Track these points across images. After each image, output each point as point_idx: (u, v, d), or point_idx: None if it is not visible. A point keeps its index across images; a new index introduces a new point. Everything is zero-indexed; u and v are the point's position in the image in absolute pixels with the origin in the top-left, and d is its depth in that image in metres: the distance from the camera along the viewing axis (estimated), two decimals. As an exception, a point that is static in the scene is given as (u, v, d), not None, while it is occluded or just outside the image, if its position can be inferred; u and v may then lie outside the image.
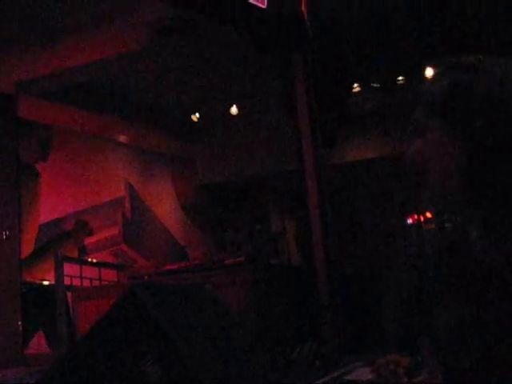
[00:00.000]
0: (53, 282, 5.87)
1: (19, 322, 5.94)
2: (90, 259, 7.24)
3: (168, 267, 5.63)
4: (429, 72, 7.74)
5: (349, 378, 3.47)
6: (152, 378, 1.85)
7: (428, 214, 10.30)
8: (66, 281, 5.65)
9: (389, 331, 7.33)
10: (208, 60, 7.21)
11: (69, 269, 5.82)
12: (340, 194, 8.43)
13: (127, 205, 8.61)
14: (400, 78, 7.82)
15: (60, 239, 7.66)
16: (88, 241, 8.04)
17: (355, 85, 7.75)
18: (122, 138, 8.94)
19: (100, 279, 6.18)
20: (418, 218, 10.35)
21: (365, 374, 3.44)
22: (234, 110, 8.68)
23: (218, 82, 7.81)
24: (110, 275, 6.45)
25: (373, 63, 7.21)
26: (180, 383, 1.84)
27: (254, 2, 5.03)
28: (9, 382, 4.43)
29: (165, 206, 9.52)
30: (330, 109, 6.09)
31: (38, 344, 6.49)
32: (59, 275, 5.53)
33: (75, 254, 7.57)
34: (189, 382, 1.84)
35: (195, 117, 8.95)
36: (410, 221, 10.44)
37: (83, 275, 6.08)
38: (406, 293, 7.75)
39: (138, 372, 1.88)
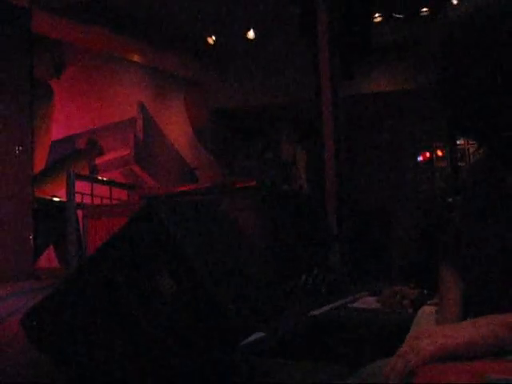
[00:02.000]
0: (63, 199, 5.91)
1: (30, 237, 6.01)
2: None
3: (178, 189, 5.64)
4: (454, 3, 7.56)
5: (355, 305, 3.52)
6: (166, 291, 1.87)
7: (439, 152, 10.29)
8: (77, 198, 5.68)
9: (396, 264, 7.42)
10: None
11: (80, 186, 5.85)
12: (354, 127, 8.36)
13: (139, 126, 8.58)
14: (424, 9, 7.62)
15: (72, 157, 7.68)
16: (99, 160, 8.06)
17: (377, 14, 7.56)
18: (137, 58, 8.83)
19: (111, 198, 6.22)
20: (431, 155, 10.32)
21: (371, 303, 3.48)
22: (250, 34, 8.53)
23: (235, 4, 7.63)
24: (120, 195, 6.48)
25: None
26: (193, 298, 1.86)
27: None
28: (19, 294, 4.51)
29: (177, 128, 9.49)
30: (350, 38, 5.96)
31: (49, 259, 6.60)
32: (70, 192, 5.56)
33: (86, 172, 7.60)
34: (201, 297, 1.86)
35: (211, 39, 8.81)
36: (421, 158, 10.43)
37: (94, 193, 6.11)
38: (415, 229, 7.80)
39: (152, 285, 1.90)
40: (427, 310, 1.75)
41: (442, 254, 1.67)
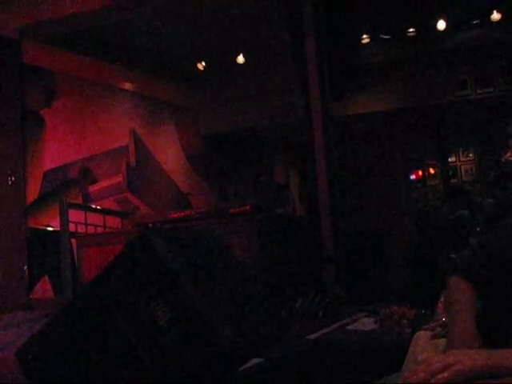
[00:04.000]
0: (57, 229, 5.89)
1: (25, 267, 5.99)
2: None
3: (172, 215, 5.63)
4: (441, 25, 7.63)
5: (352, 327, 3.50)
6: (161, 321, 1.85)
7: (431, 170, 10.32)
8: (71, 227, 5.67)
9: (393, 284, 7.40)
10: (215, 7, 7.09)
11: (73, 215, 5.83)
12: (346, 147, 8.39)
13: (132, 153, 8.59)
14: (411, 29, 7.69)
15: (64, 186, 7.67)
16: (92, 188, 8.05)
17: (365, 36, 7.63)
18: (127, 86, 8.86)
19: (105, 226, 6.20)
20: (423, 173, 10.36)
21: (368, 324, 3.47)
22: (240, 58, 8.59)
23: (224, 30, 7.70)
24: (114, 222, 6.47)
25: (383, 14, 7.09)
26: (189, 326, 1.85)
27: None
28: (14, 326, 4.47)
29: (169, 154, 9.50)
30: (338, 60, 6.01)
31: (43, 289, 6.56)
32: (64, 221, 5.55)
33: (79, 201, 7.58)
34: (197, 325, 1.85)
35: (201, 65, 8.86)
36: (413, 176, 10.46)
37: (88, 222, 6.09)
38: (410, 248, 7.79)
39: (147, 315, 1.89)
40: (422, 335, 1.73)
41: (456, 266, 1.64)
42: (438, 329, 1.67)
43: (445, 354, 1.19)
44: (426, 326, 1.74)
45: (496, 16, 7.53)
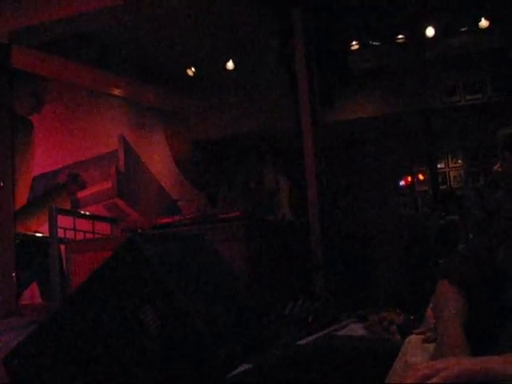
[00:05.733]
0: (46, 235, 5.86)
1: (13, 274, 5.95)
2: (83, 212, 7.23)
3: (161, 221, 5.62)
4: (429, 31, 7.68)
5: (341, 333, 3.50)
6: (150, 328, 1.85)
7: (421, 176, 10.36)
8: (60, 233, 5.65)
9: (382, 290, 7.41)
10: (205, 14, 7.09)
11: (62, 221, 5.81)
12: (336, 153, 8.41)
13: (121, 159, 8.57)
14: (400, 36, 7.73)
15: (53, 192, 7.64)
16: (81, 194, 8.02)
17: (354, 43, 7.66)
18: (117, 92, 8.85)
19: (94, 232, 6.18)
20: (412, 179, 10.39)
21: (358, 330, 3.47)
22: (230, 64, 8.59)
23: (214, 36, 7.70)
24: (103, 228, 6.45)
25: (372, 21, 7.13)
26: (178, 333, 1.84)
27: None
28: (2, 332, 4.45)
29: (158, 160, 9.49)
30: (328, 66, 6.02)
31: (32, 296, 6.53)
32: (53, 227, 5.53)
33: (68, 207, 7.55)
34: (186, 331, 1.84)
35: (191, 71, 8.86)
36: (402, 182, 10.49)
37: (77, 228, 6.07)
38: (400, 254, 7.81)
39: (137, 322, 1.88)
40: (413, 339, 1.72)
41: (444, 271, 1.64)
42: (429, 333, 1.67)
43: (434, 361, 1.19)
44: (417, 330, 1.74)
45: (484, 23, 7.61)
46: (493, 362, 1.16)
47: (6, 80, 6.47)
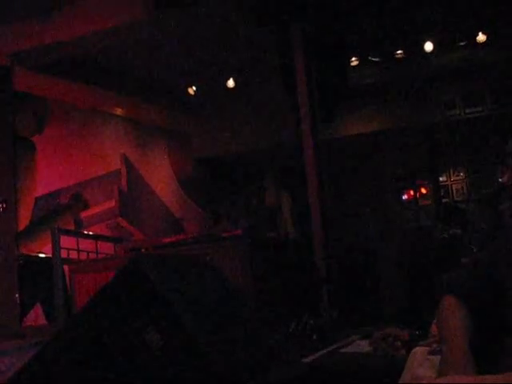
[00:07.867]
0: (49, 255, 5.86)
1: (16, 295, 5.94)
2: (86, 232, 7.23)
3: (165, 240, 5.62)
4: (428, 46, 7.74)
5: (346, 350, 3.49)
6: (154, 348, 1.84)
7: (423, 190, 10.36)
8: (63, 254, 5.63)
9: (386, 305, 7.38)
10: (205, 33, 7.14)
11: (65, 242, 5.80)
12: (337, 169, 8.43)
13: (123, 178, 8.58)
14: (399, 51, 7.78)
15: (56, 212, 7.65)
16: (84, 214, 8.03)
17: (353, 58, 7.71)
18: (118, 111, 8.89)
19: (97, 252, 6.17)
20: (415, 193, 10.39)
21: (363, 346, 3.45)
22: (230, 83, 8.63)
23: (215, 54, 7.74)
24: (106, 248, 6.44)
25: (372, 36, 7.17)
26: (182, 352, 1.84)
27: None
28: (5, 354, 4.43)
29: (161, 179, 9.50)
30: (328, 83, 6.06)
31: (36, 317, 6.51)
32: (56, 248, 5.52)
33: (71, 227, 7.55)
34: (191, 351, 1.84)
35: (192, 90, 8.90)
36: (405, 196, 10.48)
37: (80, 248, 6.06)
38: (403, 268, 7.79)
39: (140, 341, 1.88)
40: (419, 351, 1.72)
41: (449, 285, 1.62)
42: (435, 345, 1.67)
43: (435, 378, 1.19)
44: (423, 343, 1.74)
45: (481, 37, 7.70)
46: (493, 380, 1.16)
47: (8, 101, 6.51)
